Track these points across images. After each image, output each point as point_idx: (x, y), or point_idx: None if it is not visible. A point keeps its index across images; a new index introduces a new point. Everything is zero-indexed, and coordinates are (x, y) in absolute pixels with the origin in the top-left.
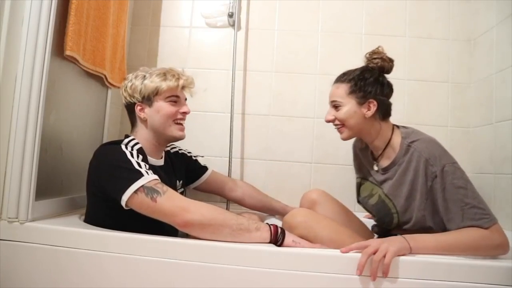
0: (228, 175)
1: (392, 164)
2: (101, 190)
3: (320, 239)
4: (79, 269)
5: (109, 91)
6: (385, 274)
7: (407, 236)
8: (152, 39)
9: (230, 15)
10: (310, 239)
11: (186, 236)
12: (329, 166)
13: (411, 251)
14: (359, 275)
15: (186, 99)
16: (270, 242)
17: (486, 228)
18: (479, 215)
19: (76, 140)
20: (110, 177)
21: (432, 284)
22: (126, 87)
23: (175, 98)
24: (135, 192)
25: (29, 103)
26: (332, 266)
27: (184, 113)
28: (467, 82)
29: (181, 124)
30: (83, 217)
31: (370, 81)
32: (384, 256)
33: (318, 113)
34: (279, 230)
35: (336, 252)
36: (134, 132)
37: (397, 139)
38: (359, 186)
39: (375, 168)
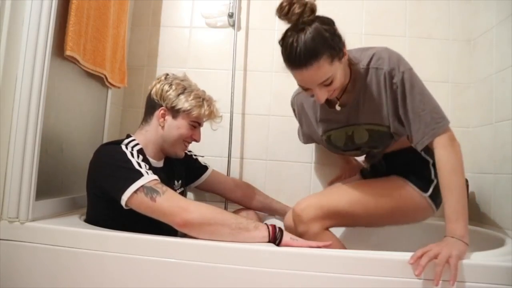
0: (227, 175)
1: (356, 95)
2: (101, 190)
3: (343, 209)
4: (80, 269)
5: (109, 91)
6: (452, 281)
7: (455, 234)
8: (152, 39)
9: (230, 15)
10: (337, 218)
11: (185, 236)
12: (329, 166)
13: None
14: (417, 276)
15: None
16: (269, 241)
17: (442, 133)
18: (436, 119)
19: (76, 140)
20: (110, 177)
21: (432, 284)
22: (163, 90)
23: (197, 125)
24: (135, 192)
25: (29, 103)
26: (332, 266)
27: (195, 140)
28: (467, 82)
29: (187, 145)
30: (83, 217)
31: (332, 32)
32: (448, 262)
33: None
34: (277, 229)
35: (336, 252)
36: (143, 131)
37: (353, 68)
38: (328, 140)
39: (338, 108)
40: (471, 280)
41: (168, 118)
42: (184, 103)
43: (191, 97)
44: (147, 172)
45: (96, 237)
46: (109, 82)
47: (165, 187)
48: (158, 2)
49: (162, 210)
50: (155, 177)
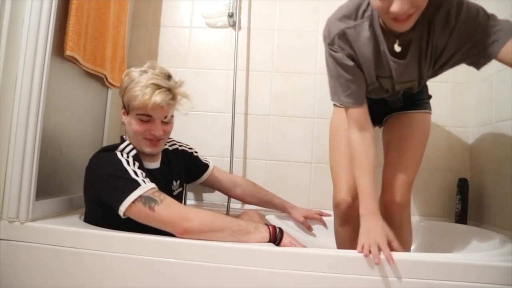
0: None
1: (417, 35)
2: (98, 198)
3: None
4: (80, 269)
5: (109, 91)
6: (392, 261)
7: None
8: (152, 39)
9: (230, 15)
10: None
11: None
12: (329, 166)
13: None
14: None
15: (171, 116)
16: (269, 241)
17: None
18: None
19: (76, 140)
20: (107, 187)
21: (432, 284)
22: (120, 88)
23: (146, 118)
24: (133, 202)
25: (29, 103)
26: (332, 266)
27: (153, 135)
28: (467, 82)
29: (151, 140)
30: (83, 216)
31: None
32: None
33: (318, 113)
34: (278, 229)
35: (335, 252)
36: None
37: None
38: (379, 84)
39: (397, 49)
40: (471, 280)
41: (125, 116)
42: (128, 96)
43: (136, 87)
44: (144, 181)
45: (96, 237)
46: (109, 82)
47: (163, 195)
48: (158, 2)
49: (161, 220)
50: (153, 185)
